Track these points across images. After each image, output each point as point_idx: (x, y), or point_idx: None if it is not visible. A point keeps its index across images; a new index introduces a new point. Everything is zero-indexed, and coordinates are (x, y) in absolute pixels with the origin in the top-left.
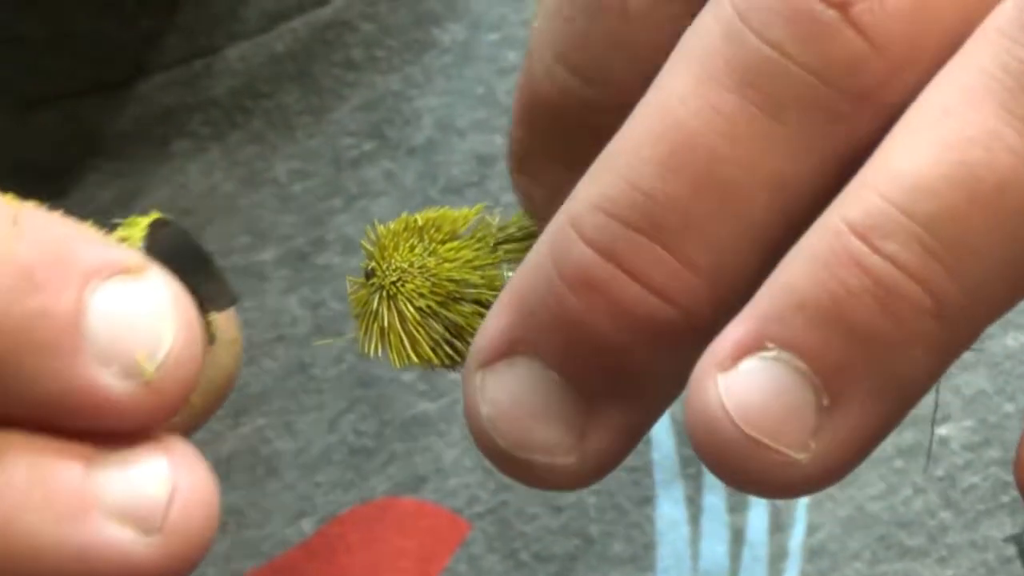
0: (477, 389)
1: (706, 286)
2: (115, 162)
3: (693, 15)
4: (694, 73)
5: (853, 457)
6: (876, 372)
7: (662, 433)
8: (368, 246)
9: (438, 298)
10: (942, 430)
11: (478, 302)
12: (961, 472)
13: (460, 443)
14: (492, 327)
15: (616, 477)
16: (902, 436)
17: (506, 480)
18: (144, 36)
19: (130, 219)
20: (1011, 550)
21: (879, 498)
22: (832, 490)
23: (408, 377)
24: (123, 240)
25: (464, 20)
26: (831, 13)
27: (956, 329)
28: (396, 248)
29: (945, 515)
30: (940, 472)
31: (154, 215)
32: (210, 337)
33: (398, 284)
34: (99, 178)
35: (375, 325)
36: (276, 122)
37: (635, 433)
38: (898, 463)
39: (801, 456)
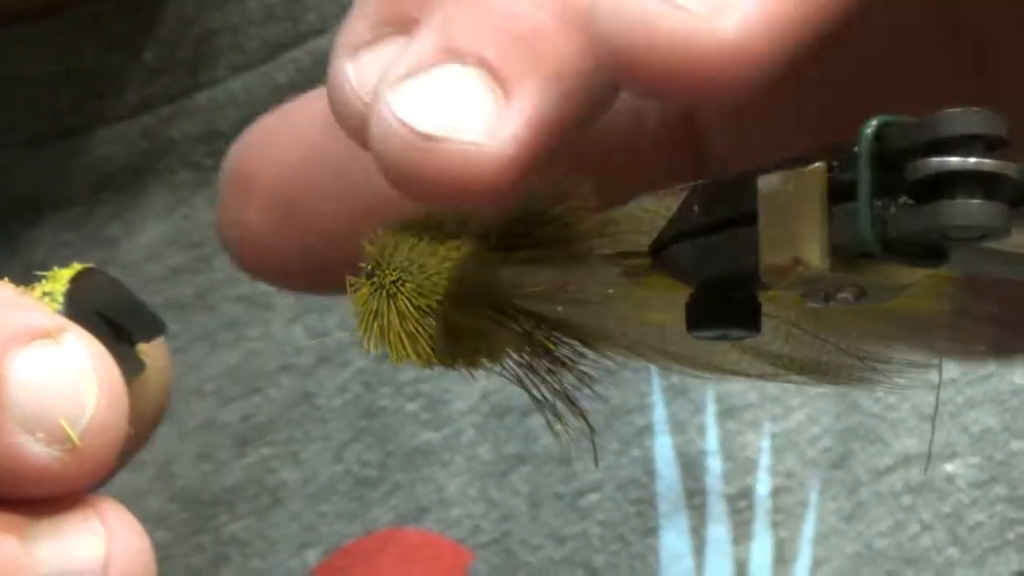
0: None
1: None
2: (122, 195)
3: None
4: None
5: (538, 139)
6: (538, 61)
7: (666, 465)
8: (368, 245)
9: (438, 297)
10: (949, 467)
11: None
12: (968, 509)
13: (464, 473)
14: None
15: (621, 508)
16: (910, 473)
17: (510, 510)
18: (148, 70)
19: (53, 272)
20: None
21: (887, 534)
22: (840, 525)
23: (412, 407)
24: (45, 294)
25: None
26: None
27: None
28: (396, 247)
29: (952, 552)
30: (947, 509)
31: (77, 266)
32: (140, 365)
33: (398, 283)
34: (107, 211)
35: (375, 323)
36: None
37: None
38: (906, 500)
39: (488, 141)
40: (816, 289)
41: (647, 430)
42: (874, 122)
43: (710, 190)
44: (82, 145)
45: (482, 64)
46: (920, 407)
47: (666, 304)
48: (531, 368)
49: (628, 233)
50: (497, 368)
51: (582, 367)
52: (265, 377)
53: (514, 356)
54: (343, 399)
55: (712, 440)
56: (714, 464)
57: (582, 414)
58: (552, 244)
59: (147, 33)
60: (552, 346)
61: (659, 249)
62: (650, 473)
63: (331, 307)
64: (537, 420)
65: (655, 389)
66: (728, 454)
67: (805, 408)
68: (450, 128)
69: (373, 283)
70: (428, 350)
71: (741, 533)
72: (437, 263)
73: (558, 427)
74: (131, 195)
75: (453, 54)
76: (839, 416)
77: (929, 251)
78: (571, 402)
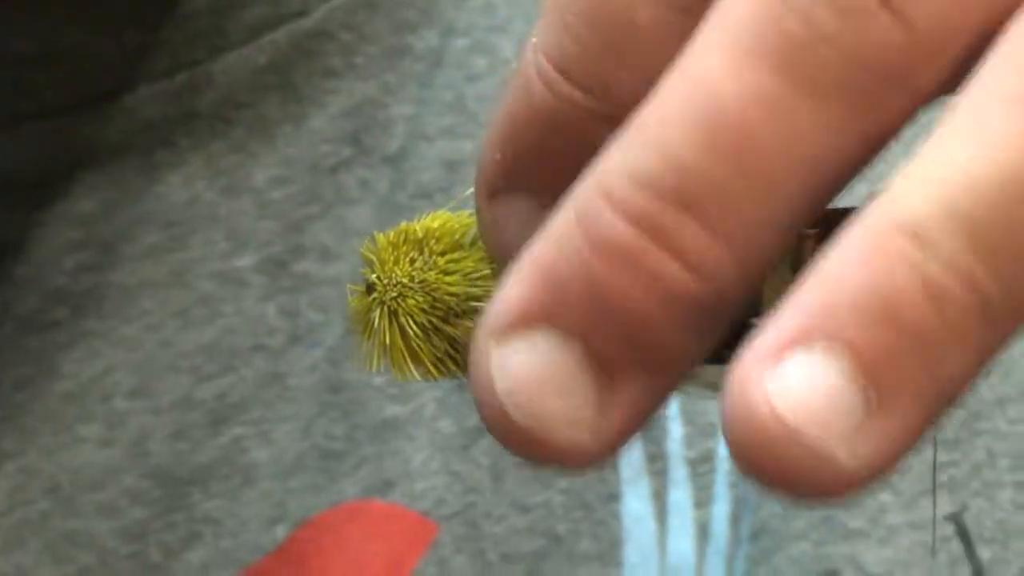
0: (490, 361)
1: (738, 263)
2: (99, 175)
3: None
4: (729, 50)
5: (894, 458)
6: (923, 372)
7: None
8: (369, 254)
9: (439, 313)
10: None
11: (480, 314)
12: None
13: (427, 447)
14: (511, 297)
15: (582, 476)
16: None
17: (473, 483)
18: (129, 51)
19: None
20: (949, 529)
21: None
22: None
23: (378, 381)
24: None
25: (437, 27)
26: None
27: (1000, 328)
28: (396, 262)
29: (885, 496)
30: None
31: None
32: None
33: (399, 299)
34: (82, 190)
35: (376, 341)
36: (257, 131)
37: (650, 410)
38: None
39: (846, 455)
40: None
41: None
42: None
43: None
44: (60, 126)
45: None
46: None
47: None
48: None
49: None
50: None
51: None
52: (238, 356)
53: None
54: (313, 378)
55: (672, 406)
56: (675, 429)
57: None
58: None
59: (128, 15)
60: None
61: None
62: None
63: (302, 287)
64: None
65: None
66: (689, 419)
67: None
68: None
69: (374, 299)
70: (431, 367)
71: (703, 497)
72: (437, 277)
73: None
74: (108, 175)
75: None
76: None
77: None
78: None
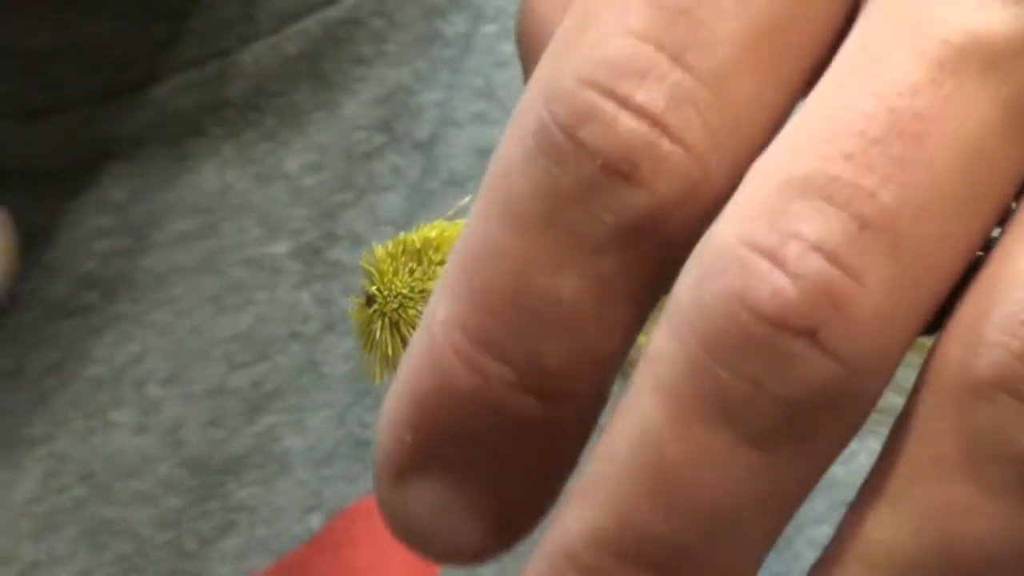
0: None
1: None
2: (128, 164)
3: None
4: (667, 403)
5: None
6: None
7: None
8: (368, 267)
9: None
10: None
11: None
12: None
13: None
14: None
15: None
16: None
17: None
18: (156, 42)
19: None
20: None
21: (841, 462)
22: None
23: None
24: None
25: (466, 13)
26: (799, 342)
27: None
28: (396, 273)
29: None
30: None
31: None
32: None
33: (399, 310)
34: (111, 180)
35: (378, 352)
36: (288, 119)
37: None
38: None
39: None
40: None
41: None
42: None
43: None
44: (86, 118)
45: None
46: None
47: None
48: None
49: None
50: None
51: None
52: (273, 344)
53: None
54: (347, 367)
55: None
56: None
57: None
58: None
59: (155, 6)
60: None
61: None
62: None
63: (335, 275)
64: None
65: None
66: None
67: None
68: None
69: (375, 311)
70: None
71: None
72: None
73: None
74: (138, 164)
75: None
76: None
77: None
78: None
